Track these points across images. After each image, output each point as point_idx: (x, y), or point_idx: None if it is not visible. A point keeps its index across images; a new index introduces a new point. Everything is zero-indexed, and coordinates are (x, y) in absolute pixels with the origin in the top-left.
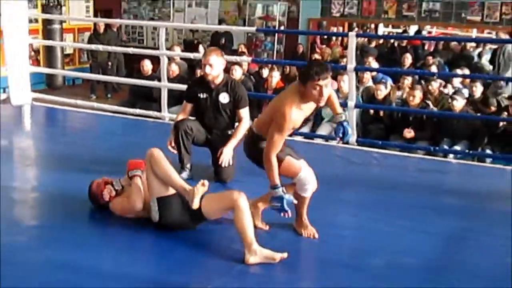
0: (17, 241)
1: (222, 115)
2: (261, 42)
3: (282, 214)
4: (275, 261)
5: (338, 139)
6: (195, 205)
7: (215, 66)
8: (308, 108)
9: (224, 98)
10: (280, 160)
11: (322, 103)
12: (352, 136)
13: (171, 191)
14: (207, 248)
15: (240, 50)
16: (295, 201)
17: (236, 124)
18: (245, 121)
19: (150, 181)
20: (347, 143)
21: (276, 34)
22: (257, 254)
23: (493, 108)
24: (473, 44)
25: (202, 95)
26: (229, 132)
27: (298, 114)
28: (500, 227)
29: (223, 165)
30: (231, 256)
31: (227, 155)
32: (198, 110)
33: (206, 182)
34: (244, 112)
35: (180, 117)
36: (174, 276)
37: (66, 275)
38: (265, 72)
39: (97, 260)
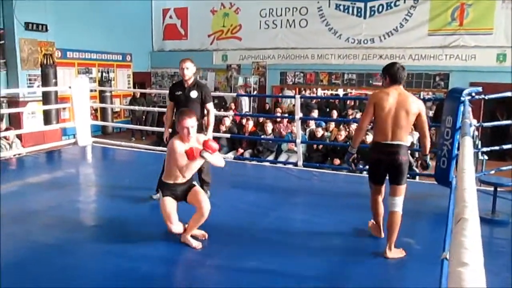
0: (78, 237)
1: (192, 107)
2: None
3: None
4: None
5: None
6: None
7: (190, 69)
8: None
9: (193, 94)
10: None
11: None
12: None
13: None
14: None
15: (230, 107)
16: None
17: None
18: (211, 112)
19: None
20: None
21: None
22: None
23: None
24: None
25: (178, 92)
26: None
27: None
28: None
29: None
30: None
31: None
32: (176, 103)
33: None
34: (210, 106)
35: (169, 110)
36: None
37: (112, 259)
38: (244, 121)
39: (133, 247)
